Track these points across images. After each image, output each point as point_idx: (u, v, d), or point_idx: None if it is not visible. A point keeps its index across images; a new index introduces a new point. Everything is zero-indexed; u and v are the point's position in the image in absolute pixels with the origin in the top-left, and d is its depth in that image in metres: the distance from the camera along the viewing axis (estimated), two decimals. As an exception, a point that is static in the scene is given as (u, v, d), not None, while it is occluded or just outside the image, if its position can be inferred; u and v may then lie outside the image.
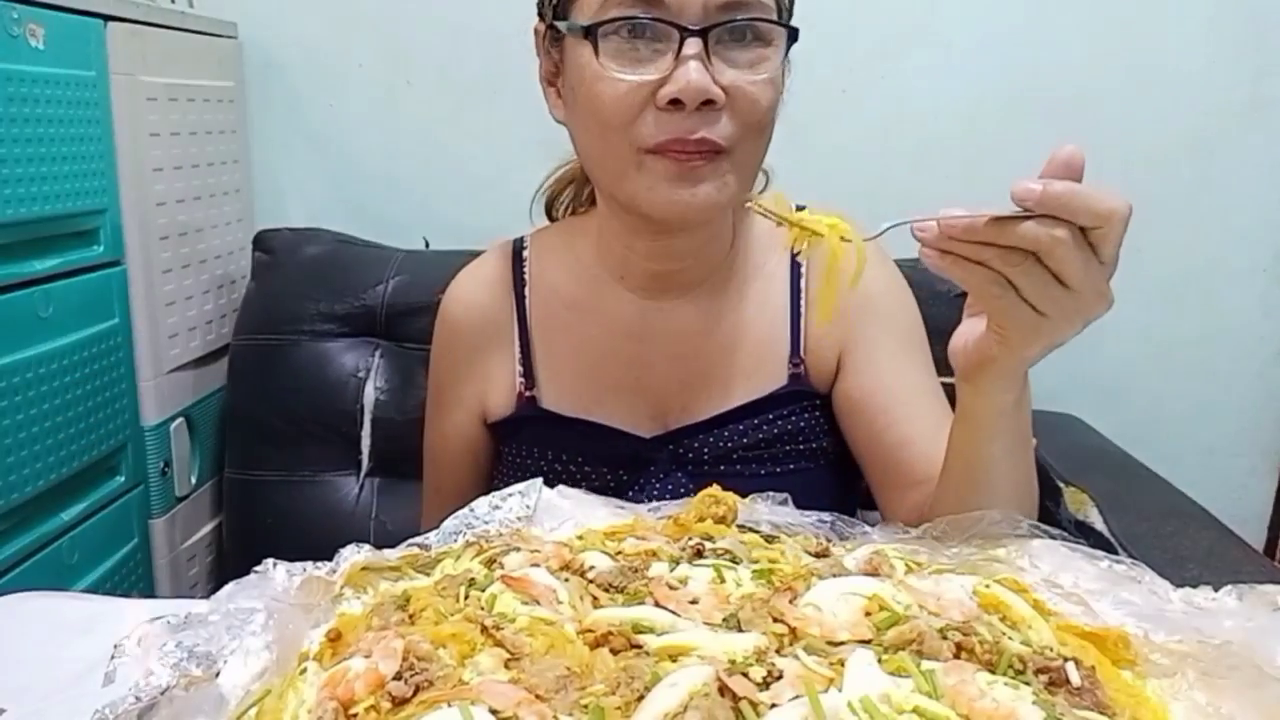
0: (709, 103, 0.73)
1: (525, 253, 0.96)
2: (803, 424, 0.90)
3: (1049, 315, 0.59)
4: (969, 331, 0.66)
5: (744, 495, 0.74)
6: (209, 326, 1.44)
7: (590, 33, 0.74)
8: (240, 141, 1.54)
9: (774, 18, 0.76)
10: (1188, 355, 1.60)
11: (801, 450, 0.90)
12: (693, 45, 0.73)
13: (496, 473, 0.96)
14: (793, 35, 0.77)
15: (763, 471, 0.89)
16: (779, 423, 0.89)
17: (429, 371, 1.01)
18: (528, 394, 0.92)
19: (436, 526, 0.72)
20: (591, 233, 0.92)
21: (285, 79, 1.59)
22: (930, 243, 0.59)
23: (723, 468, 0.89)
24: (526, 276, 0.94)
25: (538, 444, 0.91)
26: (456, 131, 1.59)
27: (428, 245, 1.57)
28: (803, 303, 0.90)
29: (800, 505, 0.75)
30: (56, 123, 1.10)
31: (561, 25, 0.78)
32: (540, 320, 0.93)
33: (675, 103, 0.73)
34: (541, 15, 0.84)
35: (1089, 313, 0.60)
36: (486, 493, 0.78)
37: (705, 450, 0.89)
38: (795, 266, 0.91)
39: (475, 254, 0.99)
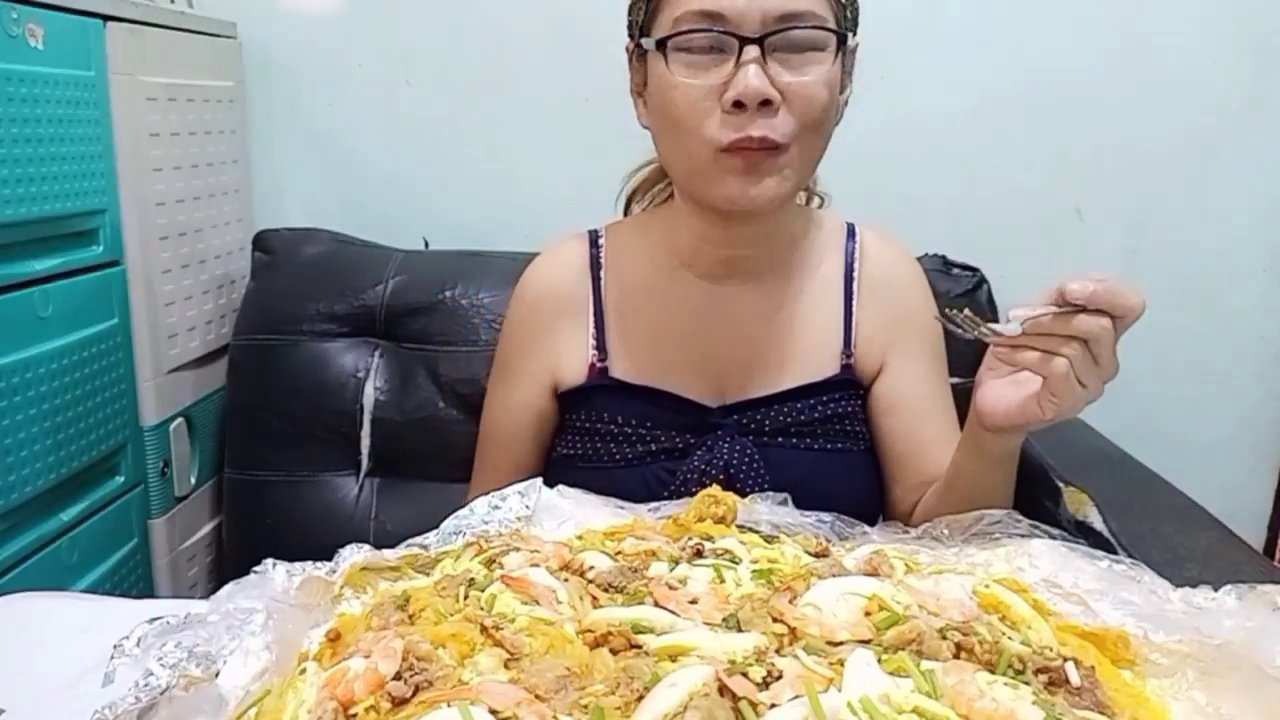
0: (767, 103, 0.82)
1: (601, 241, 1.05)
2: (849, 409, 0.99)
3: (1088, 388, 0.74)
4: (1004, 395, 0.79)
5: (797, 466, 0.94)
6: (209, 326, 1.44)
7: (661, 46, 0.85)
8: (240, 141, 1.54)
9: (831, 26, 0.85)
10: (1188, 355, 1.60)
11: (848, 431, 0.99)
12: (750, 52, 0.82)
13: (563, 440, 1.01)
14: (841, 39, 0.85)
15: (815, 447, 0.97)
16: (830, 404, 0.98)
17: (498, 347, 1.06)
18: (600, 364, 1.00)
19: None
20: (664, 225, 1.01)
21: (285, 79, 1.59)
22: (1005, 343, 0.74)
23: (780, 439, 0.97)
24: (602, 260, 1.03)
25: (608, 410, 0.98)
26: (456, 131, 1.59)
27: (427, 245, 1.57)
28: (854, 304, 1.00)
29: (845, 485, 0.95)
30: (56, 123, 1.10)
31: (645, 43, 0.89)
32: (614, 299, 1.01)
33: (738, 105, 0.82)
34: (631, 35, 0.94)
35: (1100, 385, 0.75)
36: (539, 473, 0.93)
37: (765, 422, 0.97)
38: (849, 270, 1.00)
39: (475, 254, 0.99)
